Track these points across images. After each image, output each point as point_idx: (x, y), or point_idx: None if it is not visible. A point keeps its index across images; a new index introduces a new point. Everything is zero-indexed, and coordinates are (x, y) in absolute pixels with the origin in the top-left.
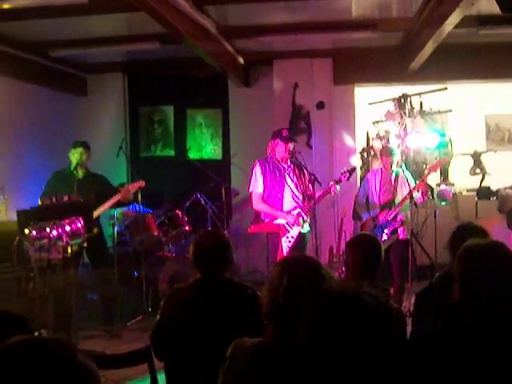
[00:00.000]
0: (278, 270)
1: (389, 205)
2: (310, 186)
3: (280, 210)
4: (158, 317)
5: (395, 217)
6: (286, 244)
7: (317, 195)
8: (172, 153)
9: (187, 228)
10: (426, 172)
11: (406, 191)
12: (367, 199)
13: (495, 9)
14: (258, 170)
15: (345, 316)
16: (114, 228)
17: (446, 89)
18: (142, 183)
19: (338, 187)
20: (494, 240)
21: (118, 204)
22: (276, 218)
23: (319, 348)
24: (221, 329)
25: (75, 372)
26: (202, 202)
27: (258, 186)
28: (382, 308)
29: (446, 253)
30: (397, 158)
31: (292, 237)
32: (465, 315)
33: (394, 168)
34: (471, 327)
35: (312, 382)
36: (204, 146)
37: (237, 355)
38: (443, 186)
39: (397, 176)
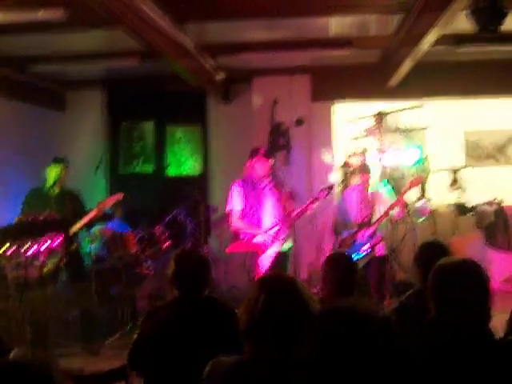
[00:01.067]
0: (255, 289)
1: (367, 222)
2: (290, 202)
3: (259, 227)
4: (137, 335)
5: (373, 234)
6: (264, 262)
7: (294, 213)
8: (151, 169)
9: (166, 244)
10: (404, 189)
11: (383, 208)
12: (345, 215)
13: (471, 27)
14: (236, 190)
15: (357, 333)
16: (91, 245)
17: (421, 106)
18: (119, 196)
19: (314, 206)
20: (466, 258)
21: (95, 220)
22: (254, 236)
23: (328, 363)
24: (199, 347)
25: None
26: (182, 219)
27: (236, 204)
28: (388, 323)
29: None
30: (374, 174)
31: (270, 256)
32: (440, 333)
33: (372, 185)
34: (446, 344)
35: None
36: (183, 163)
37: (214, 374)
38: (420, 203)
39: (375, 192)
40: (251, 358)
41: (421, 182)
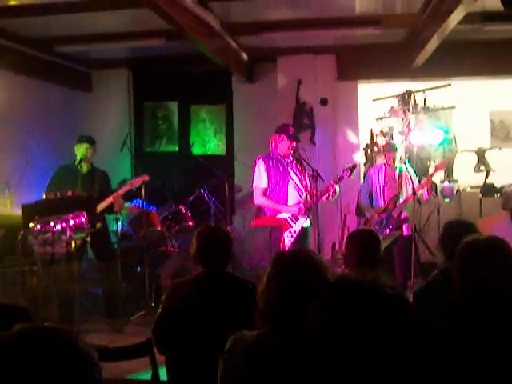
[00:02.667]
0: (272, 267)
1: (393, 201)
2: (312, 181)
3: (284, 204)
4: (160, 310)
5: (399, 214)
6: (288, 239)
7: (319, 192)
8: (176, 148)
9: (190, 223)
10: (432, 170)
11: (409, 187)
12: (370, 195)
13: (499, 5)
14: (261, 166)
15: (363, 303)
16: (117, 223)
17: (449, 85)
18: (145, 177)
19: (337, 189)
20: (492, 235)
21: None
22: (279, 212)
23: (333, 335)
24: (221, 322)
25: (77, 358)
26: (206, 198)
27: (261, 181)
28: (400, 298)
29: None
30: (400, 154)
31: (294, 231)
32: (465, 309)
33: (398, 164)
34: (471, 321)
35: (316, 371)
36: (208, 142)
37: (235, 348)
38: (446, 183)
39: (400, 172)
40: (271, 333)
41: (446, 165)
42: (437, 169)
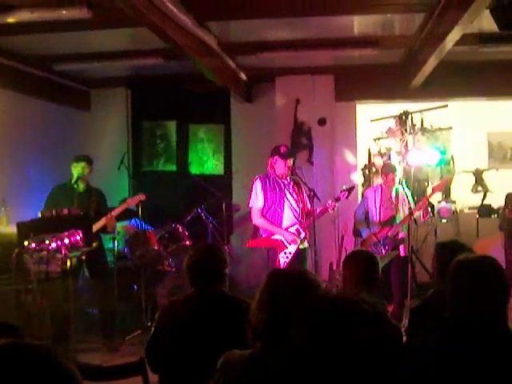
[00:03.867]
0: (264, 286)
1: (390, 222)
2: (309, 202)
3: (279, 225)
4: (153, 330)
5: (396, 234)
6: (283, 260)
7: (315, 212)
8: (174, 168)
9: (187, 242)
10: (429, 191)
11: (406, 208)
12: (366, 216)
13: (496, 26)
14: (258, 186)
15: (343, 320)
16: (114, 242)
17: (446, 106)
18: (142, 197)
19: (336, 205)
20: (483, 255)
21: (103, 229)
22: (274, 234)
23: (317, 351)
24: (213, 342)
25: (58, 376)
26: (203, 217)
27: (258, 201)
28: (380, 317)
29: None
30: (398, 174)
31: (290, 252)
32: (456, 328)
33: (396, 185)
34: (463, 340)
35: None
36: (206, 161)
37: (227, 367)
38: (443, 204)
39: (397, 193)
40: (263, 352)
41: (443, 187)
42: (434, 190)
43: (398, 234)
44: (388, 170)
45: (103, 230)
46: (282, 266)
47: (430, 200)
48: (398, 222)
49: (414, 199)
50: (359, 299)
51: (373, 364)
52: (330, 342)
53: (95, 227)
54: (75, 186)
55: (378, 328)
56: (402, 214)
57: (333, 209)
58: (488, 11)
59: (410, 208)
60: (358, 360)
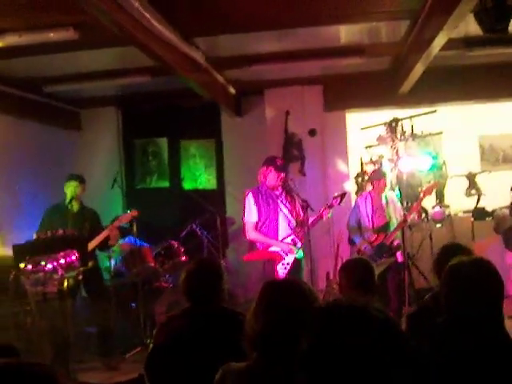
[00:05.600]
0: (259, 296)
1: (383, 228)
2: (302, 212)
3: (275, 237)
4: (151, 346)
5: (392, 241)
6: (281, 271)
7: (310, 221)
8: (167, 184)
9: (183, 258)
10: (420, 195)
11: (397, 214)
12: (359, 223)
13: (481, 30)
14: (251, 200)
15: (351, 327)
16: (110, 260)
17: (435, 111)
18: (134, 213)
19: (330, 213)
20: (478, 257)
21: (105, 243)
22: (270, 245)
23: (322, 361)
24: (211, 356)
25: None
26: (198, 232)
27: (251, 215)
28: (390, 322)
29: None
30: (389, 179)
31: (288, 263)
32: (451, 333)
33: (386, 191)
34: (456, 344)
35: None
36: (198, 177)
37: (224, 380)
38: (437, 208)
39: (387, 199)
40: (259, 362)
41: (431, 190)
42: (425, 194)
43: (393, 240)
44: (379, 175)
45: (104, 244)
46: (280, 277)
47: (423, 205)
48: (391, 228)
49: (402, 204)
50: (367, 305)
51: (385, 371)
52: (338, 347)
53: (93, 244)
54: (69, 206)
55: (386, 335)
56: (395, 221)
57: (326, 216)
58: (472, 15)
59: (404, 214)
60: (365, 367)
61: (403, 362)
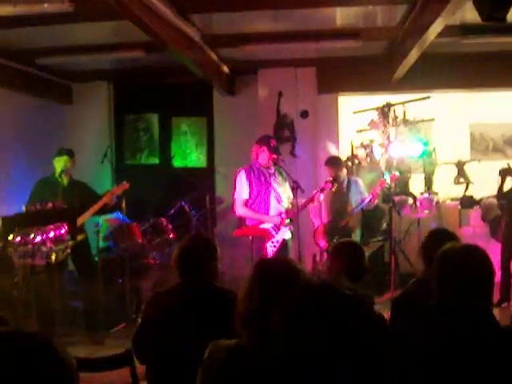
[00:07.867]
0: (252, 275)
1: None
2: (292, 193)
3: (266, 214)
4: (139, 321)
5: (346, 223)
6: (270, 249)
7: (300, 203)
8: (157, 161)
9: (171, 235)
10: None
11: (358, 197)
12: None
13: (478, 18)
14: (243, 177)
15: (322, 305)
16: (98, 235)
17: (428, 98)
18: (126, 185)
19: (321, 196)
20: (470, 244)
21: (103, 210)
22: (261, 222)
23: (295, 338)
24: (201, 333)
25: (54, 363)
26: (187, 210)
27: (242, 192)
28: (359, 301)
29: None
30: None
31: (277, 241)
32: (440, 317)
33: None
34: (446, 328)
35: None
36: (189, 154)
37: (214, 357)
38: (425, 195)
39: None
40: (252, 340)
41: (384, 183)
42: (380, 185)
43: (347, 222)
44: (332, 162)
45: (104, 209)
46: (269, 255)
47: (412, 192)
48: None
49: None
50: (338, 284)
51: (354, 348)
52: (306, 327)
53: (92, 210)
54: (59, 179)
55: (358, 312)
56: (353, 203)
57: (318, 200)
58: (470, 2)
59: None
60: (339, 344)
61: (375, 341)
